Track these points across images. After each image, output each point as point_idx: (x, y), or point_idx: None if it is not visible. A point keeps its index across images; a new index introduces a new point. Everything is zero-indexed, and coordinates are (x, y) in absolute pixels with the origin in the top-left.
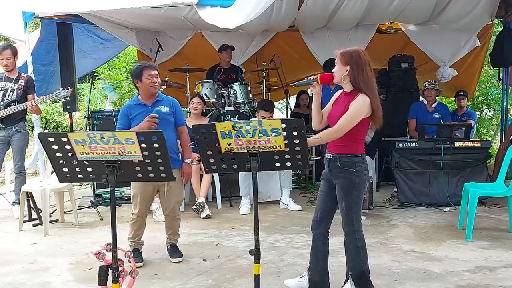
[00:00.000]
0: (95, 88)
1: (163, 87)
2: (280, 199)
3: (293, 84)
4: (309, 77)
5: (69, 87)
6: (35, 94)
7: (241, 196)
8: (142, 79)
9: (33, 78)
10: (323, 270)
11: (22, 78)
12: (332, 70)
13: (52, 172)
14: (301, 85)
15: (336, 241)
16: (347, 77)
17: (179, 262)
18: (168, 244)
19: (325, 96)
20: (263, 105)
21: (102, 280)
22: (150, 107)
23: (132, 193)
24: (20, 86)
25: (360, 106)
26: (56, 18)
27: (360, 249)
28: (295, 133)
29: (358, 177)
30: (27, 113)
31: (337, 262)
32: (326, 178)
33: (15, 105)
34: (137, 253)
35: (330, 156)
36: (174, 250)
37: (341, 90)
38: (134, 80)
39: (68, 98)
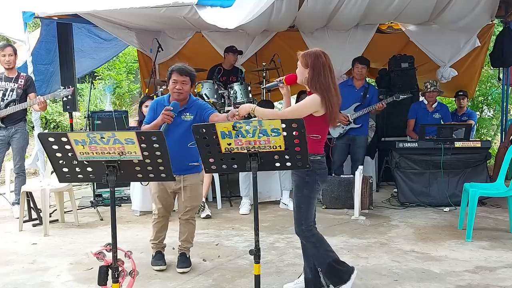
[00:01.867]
0: (95, 88)
1: (163, 87)
2: (280, 199)
3: (263, 87)
4: (276, 79)
5: (70, 86)
6: (36, 93)
7: (241, 196)
8: (169, 82)
9: (33, 77)
10: (315, 269)
11: (22, 77)
12: (296, 71)
13: (52, 172)
14: (270, 87)
15: (336, 241)
16: (306, 79)
17: (185, 272)
18: (179, 252)
19: (349, 94)
20: (262, 106)
21: (102, 280)
22: (176, 115)
23: (152, 192)
24: (20, 86)
25: (308, 101)
26: (56, 18)
27: (316, 244)
28: (295, 133)
29: (309, 176)
30: (28, 113)
31: None
32: None
33: (15, 104)
34: (159, 256)
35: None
36: (182, 260)
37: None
38: (167, 81)
39: (69, 97)
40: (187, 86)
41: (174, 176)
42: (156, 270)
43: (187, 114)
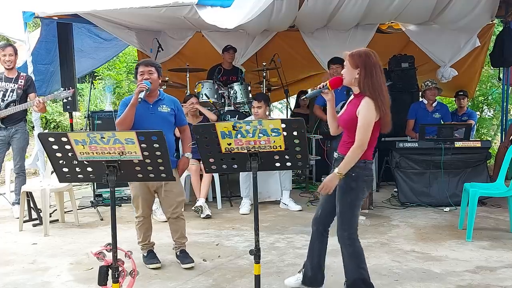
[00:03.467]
0: (95, 88)
1: (163, 87)
2: (280, 199)
3: (304, 96)
4: (319, 86)
5: (70, 87)
6: (36, 93)
7: (242, 197)
8: (137, 77)
9: (33, 77)
10: (316, 267)
11: (22, 77)
12: (341, 72)
13: (52, 172)
14: (313, 95)
15: (336, 241)
16: (356, 80)
17: (192, 267)
18: (177, 250)
19: (335, 95)
20: (255, 97)
21: (102, 280)
22: (151, 105)
23: (132, 195)
24: (20, 86)
25: (367, 110)
26: (56, 18)
27: (352, 256)
28: (295, 133)
29: (355, 182)
30: (28, 113)
31: (337, 262)
32: None
33: (15, 105)
34: (152, 255)
35: (337, 155)
36: (185, 256)
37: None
38: (134, 79)
39: (69, 98)
40: (154, 75)
41: None
42: (151, 268)
43: (163, 106)
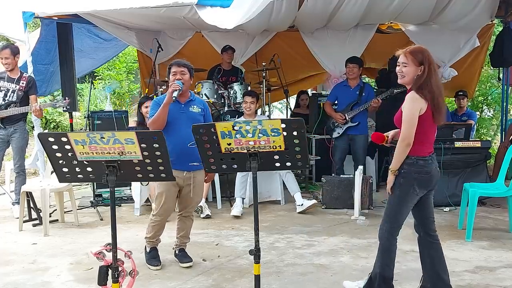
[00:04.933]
0: (95, 88)
1: (163, 87)
2: (298, 204)
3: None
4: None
5: (67, 98)
6: (37, 95)
7: (235, 197)
8: (169, 77)
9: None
10: (435, 277)
11: (24, 78)
12: (399, 71)
13: (52, 172)
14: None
15: (336, 241)
16: (416, 77)
17: (190, 267)
18: (177, 249)
19: (345, 94)
20: (248, 92)
21: (102, 280)
22: (183, 105)
23: (157, 192)
24: (21, 88)
25: (409, 104)
26: (56, 18)
27: (383, 251)
28: (295, 133)
29: (404, 179)
30: (28, 113)
31: (337, 262)
32: None
33: (15, 106)
34: (154, 253)
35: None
36: (184, 255)
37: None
38: (167, 79)
39: (68, 107)
40: (187, 76)
41: (184, 172)
42: (151, 269)
43: (195, 106)
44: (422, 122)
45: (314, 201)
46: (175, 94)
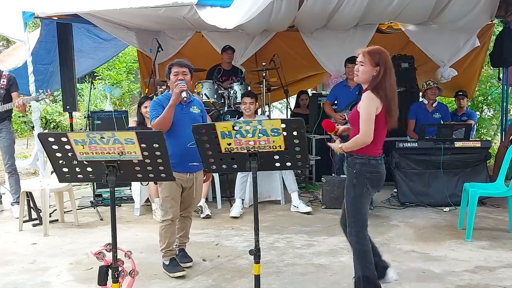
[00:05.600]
0: (95, 88)
1: (163, 87)
2: (294, 205)
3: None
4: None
5: (48, 90)
6: (18, 92)
7: (235, 198)
8: (170, 77)
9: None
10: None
11: (4, 77)
12: (356, 69)
13: (52, 172)
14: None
15: (336, 241)
16: (373, 77)
17: (190, 267)
18: (177, 249)
19: (345, 94)
20: (248, 93)
21: (102, 280)
22: (184, 106)
23: (162, 198)
24: (2, 86)
25: (366, 103)
26: (56, 18)
27: (359, 253)
28: (295, 133)
29: (357, 179)
30: (28, 113)
31: (337, 262)
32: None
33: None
34: (175, 262)
35: (345, 154)
36: (184, 255)
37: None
38: (166, 78)
39: (48, 101)
40: (188, 76)
41: (187, 174)
42: (177, 277)
43: (194, 107)
44: (377, 122)
45: (309, 208)
46: (184, 94)
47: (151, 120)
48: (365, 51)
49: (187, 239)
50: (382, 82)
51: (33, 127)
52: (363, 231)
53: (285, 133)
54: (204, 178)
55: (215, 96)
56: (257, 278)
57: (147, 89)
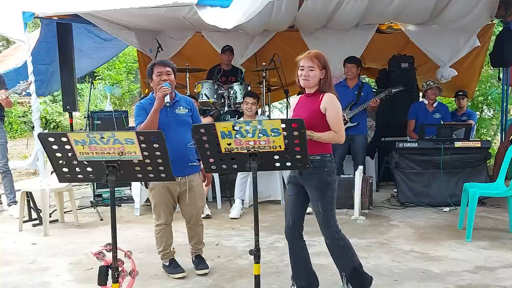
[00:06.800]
0: (95, 88)
1: None
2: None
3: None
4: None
5: (28, 80)
6: (7, 89)
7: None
8: (152, 77)
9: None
10: (309, 274)
11: None
12: (305, 74)
13: (52, 172)
14: None
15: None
16: (320, 80)
17: (206, 274)
18: (193, 255)
19: (344, 94)
20: (249, 93)
21: (102, 280)
22: (168, 108)
23: (154, 203)
24: None
25: (336, 103)
26: (56, 18)
27: (345, 248)
28: (295, 133)
29: (330, 177)
30: (28, 113)
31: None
32: (294, 181)
33: None
34: (175, 263)
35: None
36: (200, 261)
37: (300, 96)
38: (148, 79)
39: (28, 91)
40: (172, 76)
41: (179, 178)
42: (177, 278)
43: (181, 107)
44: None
45: (309, 209)
46: (167, 98)
47: (136, 126)
48: (312, 56)
49: (201, 245)
50: (330, 84)
51: (33, 127)
52: (339, 227)
53: (285, 133)
54: (205, 183)
55: (215, 96)
56: (257, 278)
57: (147, 89)
